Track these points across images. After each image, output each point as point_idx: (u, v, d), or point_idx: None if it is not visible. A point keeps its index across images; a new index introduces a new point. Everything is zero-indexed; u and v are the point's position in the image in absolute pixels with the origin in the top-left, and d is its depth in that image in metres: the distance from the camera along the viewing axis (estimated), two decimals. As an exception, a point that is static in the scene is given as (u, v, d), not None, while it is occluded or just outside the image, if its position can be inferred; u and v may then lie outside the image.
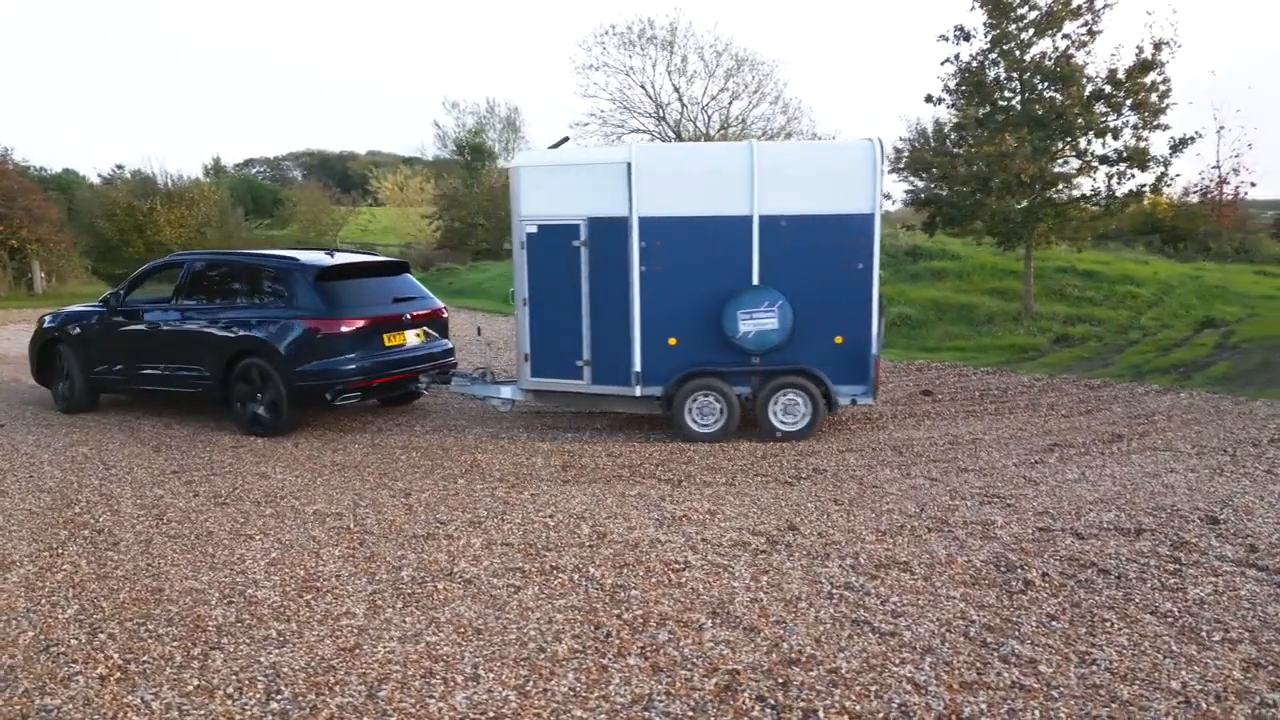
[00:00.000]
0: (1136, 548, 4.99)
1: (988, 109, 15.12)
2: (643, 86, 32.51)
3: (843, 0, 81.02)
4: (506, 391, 8.49)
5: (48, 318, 9.94)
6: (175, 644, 3.96)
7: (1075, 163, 14.65)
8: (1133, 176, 14.17)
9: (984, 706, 3.33)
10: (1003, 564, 4.78)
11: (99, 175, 37.84)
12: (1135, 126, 14.04)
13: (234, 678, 3.65)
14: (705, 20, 75.96)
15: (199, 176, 38.98)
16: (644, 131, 32.79)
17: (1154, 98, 13.71)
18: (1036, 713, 3.29)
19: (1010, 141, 14.19)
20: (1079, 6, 14.25)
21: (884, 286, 8.75)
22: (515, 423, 8.79)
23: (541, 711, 3.38)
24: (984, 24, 15.08)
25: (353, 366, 8.18)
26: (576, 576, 4.71)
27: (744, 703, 3.40)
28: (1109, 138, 14.01)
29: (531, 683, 3.60)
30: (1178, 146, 13.75)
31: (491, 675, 3.66)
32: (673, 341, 7.83)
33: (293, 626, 4.13)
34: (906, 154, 23.16)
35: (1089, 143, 14.19)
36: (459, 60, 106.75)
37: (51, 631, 4.13)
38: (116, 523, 5.72)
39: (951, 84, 15.23)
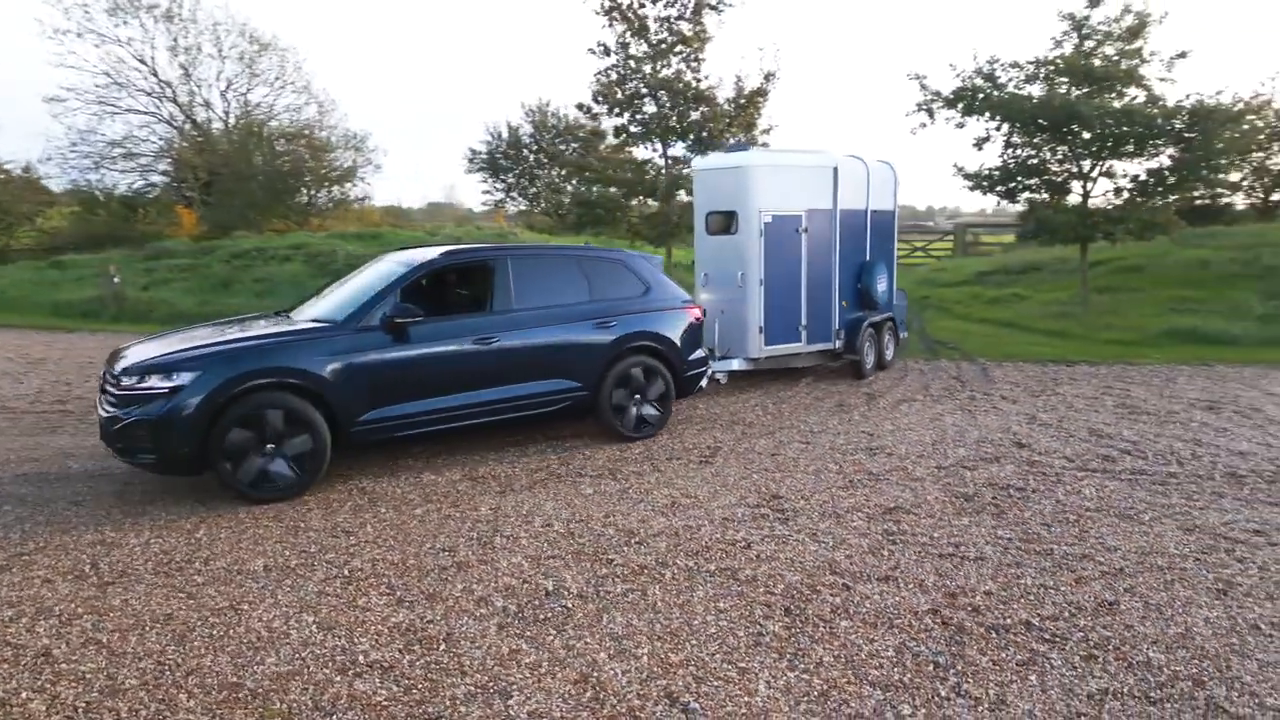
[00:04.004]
0: (1008, 470, 6.53)
1: (626, 119, 16.76)
2: (142, 61, 28.47)
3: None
4: (735, 364, 9.65)
5: (196, 370, 5.77)
6: None
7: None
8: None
9: (980, 563, 4.36)
10: (954, 493, 5.94)
11: None
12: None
13: None
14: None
15: None
16: (143, 113, 28.82)
17: (758, 118, 16.53)
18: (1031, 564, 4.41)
19: (636, 153, 16.09)
20: (686, 38, 16.56)
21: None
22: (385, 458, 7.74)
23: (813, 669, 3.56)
24: (616, 43, 16.69)
25: (704, 352, 8.28)
26: (679, 572, 4.71)
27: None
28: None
29: (788, 659, 3.72)
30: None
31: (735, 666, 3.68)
32: (844, 304, 10.40)
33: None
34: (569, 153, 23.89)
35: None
36: None
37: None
38: None
39: (601, 95, 16.54)
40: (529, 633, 3.98)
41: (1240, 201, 25.51)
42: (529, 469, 6.74)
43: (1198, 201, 16.85)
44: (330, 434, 6.07)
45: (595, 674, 3.61)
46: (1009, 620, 4.05)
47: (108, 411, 5.86)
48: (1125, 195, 15.00)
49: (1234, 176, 17.50)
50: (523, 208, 36.78)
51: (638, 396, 7.57)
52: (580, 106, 16.94)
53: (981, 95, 14.91)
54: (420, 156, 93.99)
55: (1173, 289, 15.74)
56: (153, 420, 5.62)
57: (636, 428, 7.57)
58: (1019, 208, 16.90)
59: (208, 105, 30.15)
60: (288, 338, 6.19)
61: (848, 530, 5.27)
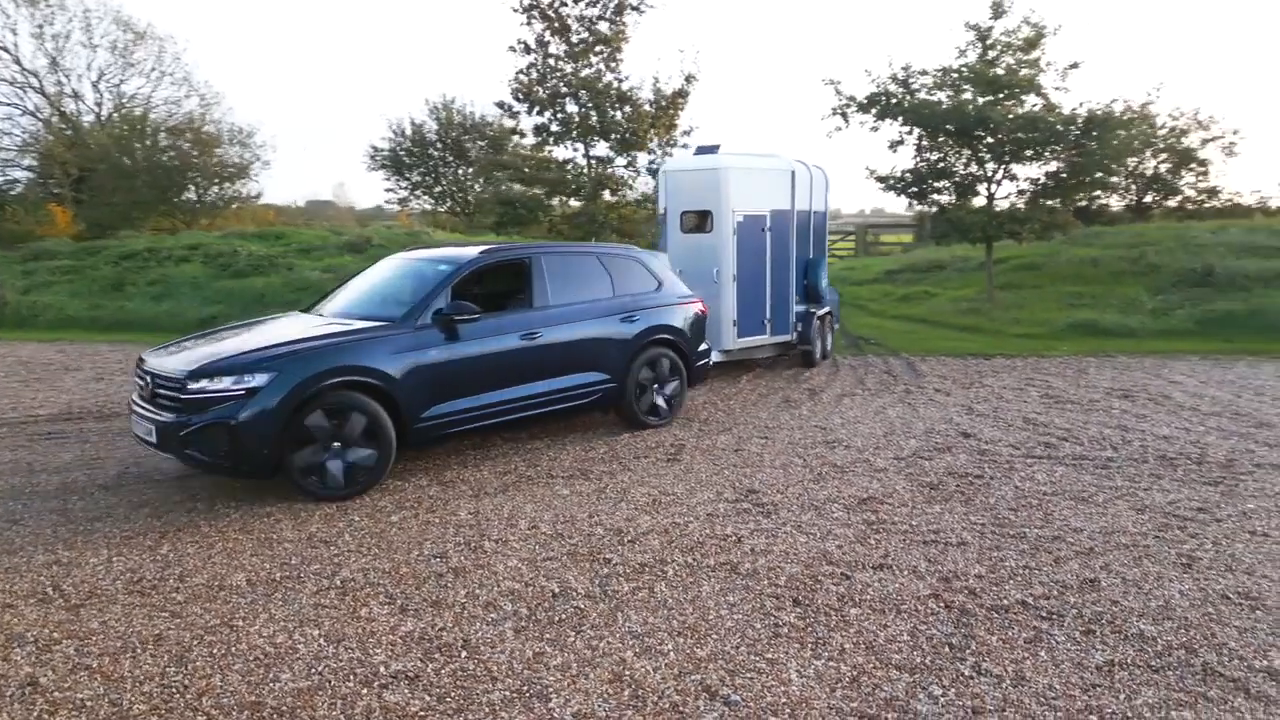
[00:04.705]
0: (962, 459, 6.83)
1: (546, 118, 16.67)
2: (4, 49, 26.65)
3: None
4: (714, 356, 9.56)
5: (272, 371, 5.69)
6: None
7: (626, 171, 17.06)
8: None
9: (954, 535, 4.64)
10: (919, 483, 6.17)
11: None
12: (665, 144, 16.93)
13: None
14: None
15: None
16: (3, 104, 26.89)
17: (678, 119, 16.70)
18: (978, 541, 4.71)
19: (557, 153, 16.06)
20: (606, 38, 16.60)
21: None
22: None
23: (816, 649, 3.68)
24: (534, 41, 16.59)
25: (708, 344, 8.71)
26: (679, 569, 4.75)
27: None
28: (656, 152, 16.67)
29: (810, 648, 3.81)
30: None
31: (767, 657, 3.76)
32: (795, 298, 11.07)
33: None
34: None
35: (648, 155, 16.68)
36: None
37: None
38: None
39: (521, 93, 16.39)
40: (548, 635, 3.94)
41: (1116, 203, 27.34)
42: (497, 472, 6.64)
43: (1080, 203, 17.89)
44: (396, 432, 6.10)
45: (627, 672, 3.60)
46: (1005, 601, 4.25)
47: (166, 418, 5.68)
48: (1027, 197, 15.85)
49: (1113, 180, 18.70)
50: (428, 206, 35.99)
51: (655, 386, 7.95)
52: (501, 105, 16.74)
53: (895, 101, 15.48)
54: (308, 153, 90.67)
55: (1068, 285, 16.71)
56: (232, 423, 5.51)
57: (658, 416, 8.00)
58: (925, 209, 17.65)
59: (77, 97, 28.43)
60: (355, 336, 6.13)
61: (830, 521, 5.41)
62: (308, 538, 5.23)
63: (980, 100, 15.22)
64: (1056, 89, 15.65)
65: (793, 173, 10.88)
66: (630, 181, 16.96)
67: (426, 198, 35.01)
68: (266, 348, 5.88)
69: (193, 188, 31.23)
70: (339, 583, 4.55)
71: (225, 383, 5.60)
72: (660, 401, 7.99)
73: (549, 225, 17.43)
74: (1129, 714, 3.27)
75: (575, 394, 7.27)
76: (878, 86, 15.73)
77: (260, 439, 5.58)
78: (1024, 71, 15.50)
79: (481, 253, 7.14)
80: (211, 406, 5.57)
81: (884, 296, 18.63)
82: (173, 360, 6.05)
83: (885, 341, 13.67)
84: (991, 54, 15.66)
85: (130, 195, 27.23)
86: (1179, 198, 27.13)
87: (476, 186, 33.55)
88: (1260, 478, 6.23)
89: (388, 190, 33.94)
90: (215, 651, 3.80)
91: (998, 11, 15.41)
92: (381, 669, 3.64)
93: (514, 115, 17.06)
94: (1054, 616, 4.07)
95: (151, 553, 5.00)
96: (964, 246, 19.45)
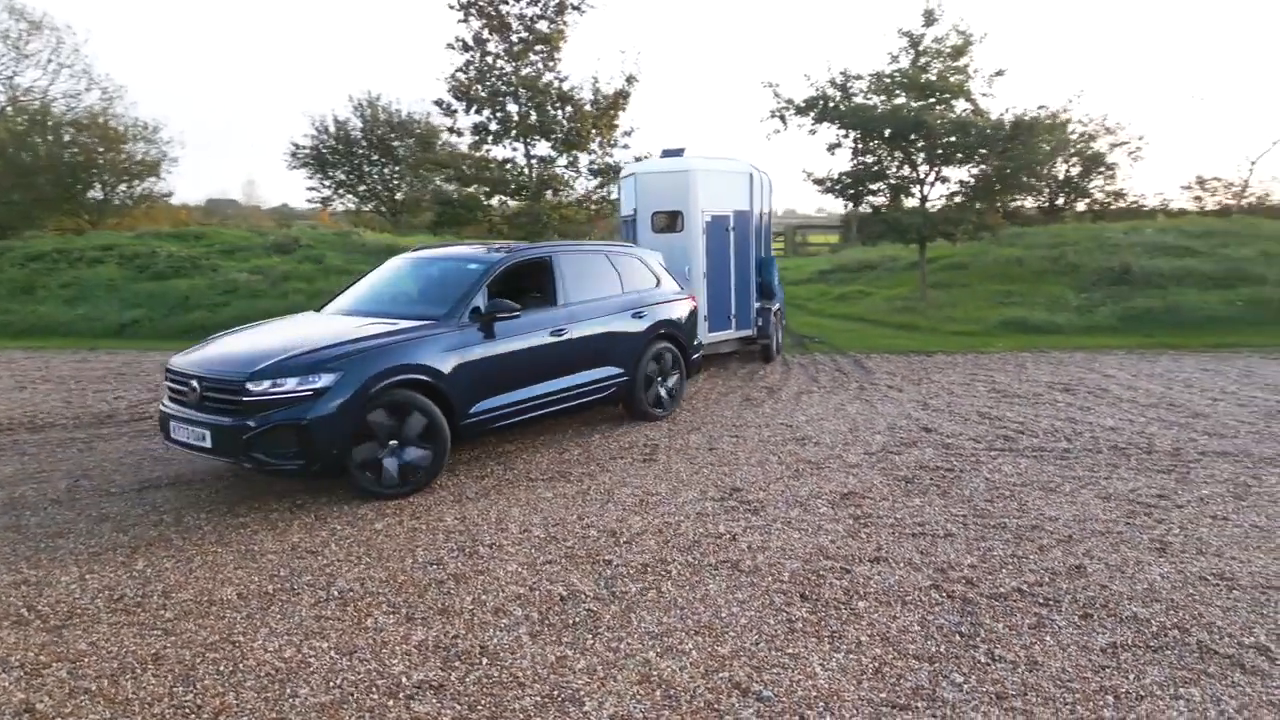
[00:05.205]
0: (929, 453, 7.03)
1: (485, 117, 16.46)
2: None
3: None
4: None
5: (338, 371, 5.66)
6: None
7: (567, 170, 16.96)
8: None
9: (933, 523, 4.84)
10: (894, 477, 6.33)
11: None
12: (604, 145, 16.91)
13: None
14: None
15: None
16: None
17: (618, 120, 16.70)
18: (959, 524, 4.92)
19: (496, 152, 15.93)
20: (547, 37, 16.50)
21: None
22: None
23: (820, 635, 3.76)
24: (472, 38, 16.39)
25: (701, 338, 9.21)
26: (682, 568, 4.76)
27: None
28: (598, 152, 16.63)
29: (828, 641, 3.89)
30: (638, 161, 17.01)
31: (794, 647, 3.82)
32: (755, 296, 11.50)
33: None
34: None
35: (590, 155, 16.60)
36: None
37: None
38: None
39: (460, 92, 16.14)
40: (565, 639, 3.91)
41: (1029, 205, 28.50)
42: (474, 476, 6.54)
43: (1009, 205, 18.62)
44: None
45: (654, 673, 3.60)
46: (1002, 589, 4.40)
47: (223, 421, 5.54)
48: (960, 199, 16.39)
49: (1038, 183, 19.50)
50: (351, 206, 35.11)
51: (659, 379, 8.31)
52: (439, 103, 16.45)
53: (833, 104, 15.82)
54: (216, 151, 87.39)
55: (995, 284, 17.35)
56: (302, 423, 5.46)
57: (662, 409, 8.37)
58: (857, 210, 18.08)
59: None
60: (409, 336, 6.11)
61: (818, 517, 5.50)
62: (291, 548, 5.06)
63: (915, 105, 15.67)
64: (984, 95, 16.26)
65: (750, 175, 11.44)
66: (571, 182, 16.89)
67: (351, 197, 34.17)
68: (324, 348, 5.79)
69: (99, 185, 29.87)
70: (336, 593, 4.42)
71: (290, 384, 5.53)
72: (664, 393, 8.36)
73: (488, 225, 17.23)
74: (1141, 693, 3.42)
75: (596, 388, 7.55)
76: (816, 90, 16.04)
77: (330, 438, 5.56)
78: (954, 78, 16.02)
79: (508, 252, 7.28)
80: (277, 408, 5.50)
81: (820, 296, 19.01)
82: (219, 363, 5.92)
83: (829, 340, 13.95)
84: (923, 60, 16.14)
85: (31, 193, 25.84)
86: (1088, 200, 28.50)
87: (405, 186, 32.92)
88: (1207, 465, 6.59)
89: (310, 189, 32.94)
90: (222, 668, 3.65)
91: (929, 19, 15.90)
92: (403, 679, 3.56)
93: (451, 113, 16.79)
94: (1051, 603, 4.23)
95: (126, 569, 4.77)
96: (894, 247, 20.02)
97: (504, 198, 16.82)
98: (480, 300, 6.60)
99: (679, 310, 8.52)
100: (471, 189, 16.86)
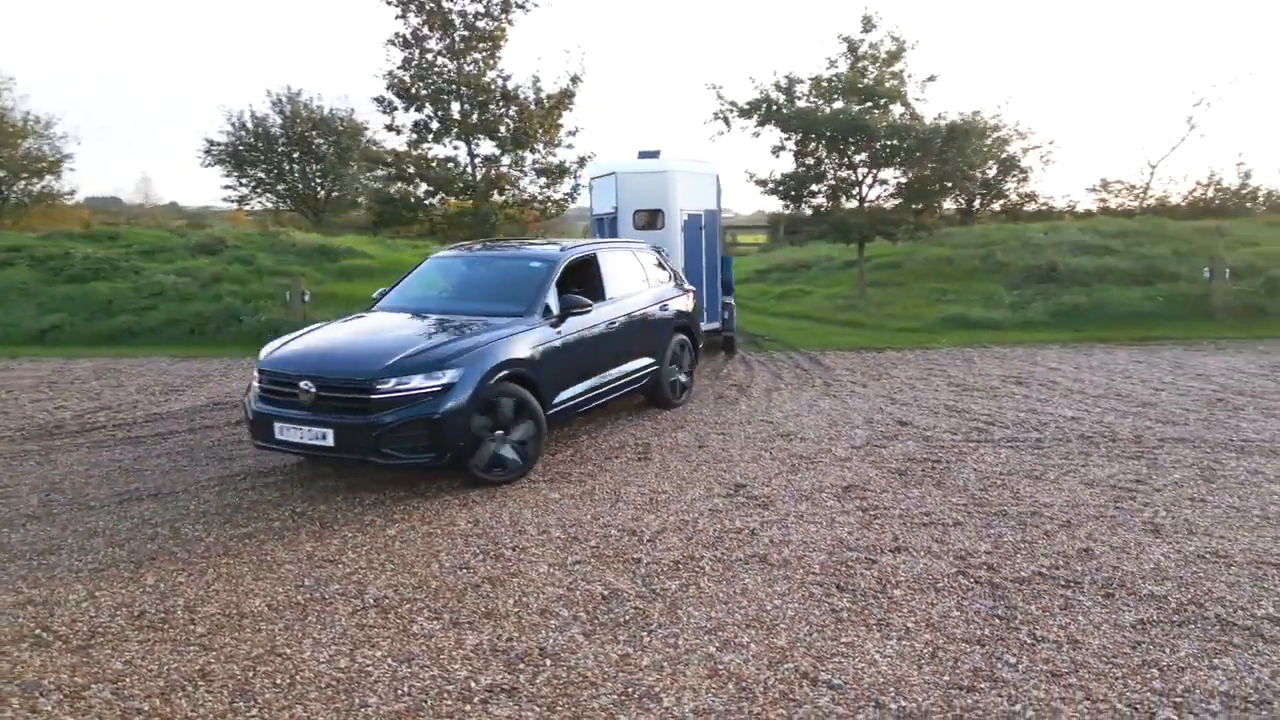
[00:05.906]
0: (912, 446, 7.26)
1: (426, 115, 16.18)
2: None
3: None
4: None
5: (460, 366, 5.93)
6: None
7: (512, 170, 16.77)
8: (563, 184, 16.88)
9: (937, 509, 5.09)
10: (888, 470, 6.53)
11: None
12: (549, 144, 16.80)
13: None
14: None
15: None
16: None
17: (562, 120, 16.63)
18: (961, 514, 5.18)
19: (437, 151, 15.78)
20: (490, 34, 16.32)
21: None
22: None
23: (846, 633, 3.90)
24: (411, 34, 16.10)
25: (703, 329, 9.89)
26: (713, 564, 4.82)
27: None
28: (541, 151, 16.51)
29: (877, 629, 4.01)
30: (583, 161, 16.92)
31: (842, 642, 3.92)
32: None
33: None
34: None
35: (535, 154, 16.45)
36: None
37: None
38: None
39: (400, 89, 15.83)
40: (621, 636, 3.92)
41: (949, 205, 29.58)
42: (474, 478, 6.45)
43: (945, 205, 19.30)
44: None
45: (720, 667, 3.64)
46: (1024, 573, 4.59)
47: (348, 420, 5.67)
48: (899, 200, 16.91)
49: (969, 184, 20.25)
50: (269, 205, 34.01)
51: (675, 368, 8.69)
52: (379, 100, 16.06)
53: (777, 107, 16.11)
54: (108, 146, 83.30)
55: (930, 282, 17.95)
56: (435, 418, 5.67)
57: (681, 395, 8.85)
58: (792, 211, 18.45)
59: None
60: (507, 332, 6.38)
61: (827, 510, 5.63)
62: (307, 557, 4.92)
63: (855, 108, 16.08)
64: (917, 99, 16.80)
65: (716, 176, 11.82)
66: (517, 182, 16.72)
67: (269, 195, 33.10)
68: (441, 345, 6.08)
69: (-4, 184, 28.27)
70: (372, 601, 4.32)
71: (416, 380, 5.72)
72: (683, 379, 8.87)
73: (429, 225, 16.94)
74: (1180, 665, 3.63)
75: (637, 377, 8.01)
76: (760, 93, 16.31)
77: (458, 431, 5.79)
78: (889, 82, 16.51)
79: (563, 249, 7.65)
80: (406, 405, 5.68)
81: (761, 295, 19.33)
82: (337, 362, 6.01)
83: (781, 338, 14.21)
84: (861, 64, 16.58)
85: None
86: (1003, 201, 29.75)
87: (328, 184, 32.06)
88: (1171, 450, 6.99)
89: (226, 187, 31.77)
90: (279, 681, 3.54)
91: (867, 25, 16.34)
92: (471, 684, 3.51)
93: (390, 111, 16.44)
94: (1074, 584, 4.44)
95: (137, 584, 4.56)
96: (829, 246, 20.49)
97: (447, 197, 16.54)
98: (551, 297, 6.94)
99: (690, 303, 9.06)
100: (411, 187, 16.53)
